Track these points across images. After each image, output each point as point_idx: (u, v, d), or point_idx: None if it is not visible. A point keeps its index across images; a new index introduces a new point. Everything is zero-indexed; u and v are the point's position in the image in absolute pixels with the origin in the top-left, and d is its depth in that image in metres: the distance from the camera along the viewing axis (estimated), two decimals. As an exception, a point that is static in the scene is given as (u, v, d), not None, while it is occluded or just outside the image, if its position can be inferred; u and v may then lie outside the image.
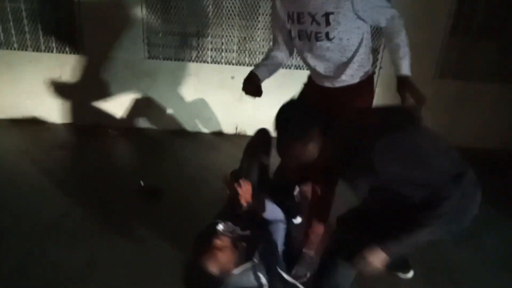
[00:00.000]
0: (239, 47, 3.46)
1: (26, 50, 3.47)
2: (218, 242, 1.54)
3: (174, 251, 2.14)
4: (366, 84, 1.86)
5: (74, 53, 3.47)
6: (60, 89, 3.56)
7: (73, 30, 3.39)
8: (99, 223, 2.36)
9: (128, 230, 2.32)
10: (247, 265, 1.59)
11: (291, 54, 1.99)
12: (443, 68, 3.50)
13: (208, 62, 3.50)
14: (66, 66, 3.49)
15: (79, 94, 3.58)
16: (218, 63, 3.50)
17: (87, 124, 3.64)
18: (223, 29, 3.41)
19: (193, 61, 3.51)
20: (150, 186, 2.70)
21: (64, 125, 3.65)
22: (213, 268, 1.50)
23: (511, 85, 3.59)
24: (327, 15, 1.64)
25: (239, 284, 1.57)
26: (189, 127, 3.70)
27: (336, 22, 1.65)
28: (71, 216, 2.40)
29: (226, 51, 3.48)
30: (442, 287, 2.08)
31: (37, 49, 3.47)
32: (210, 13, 3.35)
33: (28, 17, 3.36)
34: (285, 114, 1.49)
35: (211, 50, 3.49)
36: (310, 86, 1.98)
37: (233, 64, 3.48)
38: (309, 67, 1.90)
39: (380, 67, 3.50)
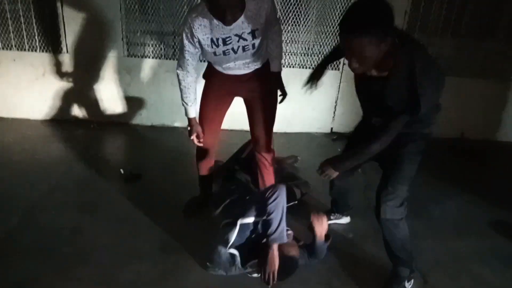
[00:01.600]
0: (213, 45, 3.71)
1: (10, 49, 3.65)
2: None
3: (151, 224, 2.39)
4: (267, 64, 2.24)
5: (57, 52, 3.66)
6: (44, 86, 3.74)
7: (56, 29, 3.59)
8: (83, 199, 2.61)
9: (110, 206, 2.56)
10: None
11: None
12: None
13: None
14: (49, 64, 3.68)
15: (62, 91, 3.77)
16: (194, 60, 3.74)
17: (70, 119, 3.84)
18: (198, 28, 3.65)
19: (170, 59, 3.74)
20: (129, 173, 2.91)
21: (48, 120, 3.84)
22: (295, 252, 2.01)
23: (467, 78, 3.93)
24: (253, 31, 1.96)
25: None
26: (167, 121, 3.92)
27: (260, 33, 1.99)
28: (58, 193, 2.65)
29: (201, 49, 3.73)
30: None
31: (21, 48, 3.65)
32: (186, 13, 3.59)
33: (12, 17, 3.55)
34: None
35: (187, 48, 3.72)
36: (218, 78, 2.20)
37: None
38: (224, 68, 2.13)
39: (344, 64, 3.79)
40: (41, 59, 3.67)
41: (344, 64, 3.78)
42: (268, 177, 2.42)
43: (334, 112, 3.99)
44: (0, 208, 2.45)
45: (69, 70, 3.71)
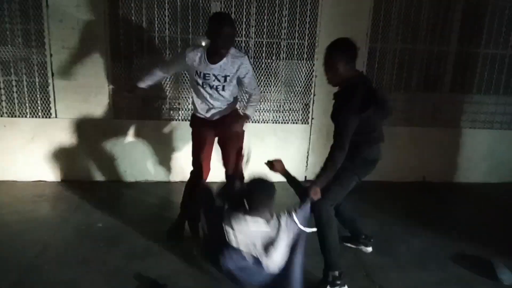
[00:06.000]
0: (193, 106, 4.06)
1: (1, 116, 3.90)
2: None
3: (141, 273, 2.55)
4: (236, 111, 3.04)
5: (46, 117, 3.93)
6: (33, 149, 3.96)
7: (46, 97, 3.88)
8: (76, 255, 2.74)
9: (102, 259, 2.70)
10: None
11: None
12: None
13: (167, 119, 4.07)
14: (39, 129, 3.93)
15: (51, 153, 3.99)
16: (176, 120, 4.08)
17: (59, 180, 4.03)
18: (178, 91, 4.03)
19: (153, 120, 4.06)
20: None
21: (36, 182, 4.00)
22: None
23: (422, 127, 4.40)
24: (225, 77, 2.74)
25: None
26: (152, 177, 4.16)
27: (230, 79, 2.77)
28: (52, 250, 2.79)
29: (182, 109, 4.08)
30: (361, 283, 2.59)
31: (12, 115, 3.91)
32: (168, 79, 3.97)
33: (5, 87, 3.84)
34: None
35: (169, 109, 4.07)
36: (199, 124, 2.99)
37: (188, 120, 4.02)
38: (202, 104, 2.90)
39: (312, 118, 4.21)
40: (31, 125, 3.92)
41: (313, 118, 4.19)
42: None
43: (306, 162, 4.35)
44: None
45: (58, 134, 3.95)
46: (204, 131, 2.96)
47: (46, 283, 2.42)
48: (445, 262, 2.92)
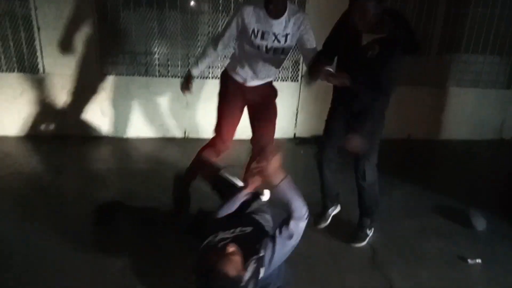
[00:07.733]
0: (182, 62, 4.05)
1: (-11, 71, 3.84)
2: (230, 248, 1.77)
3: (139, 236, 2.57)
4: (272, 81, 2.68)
5: (34, 73, 3.88)
6: (21, 104, 3.94)
7: (33, 52, 3.82)
8: (74, 209, 2.79)
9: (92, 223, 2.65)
10: (253, 264, 1.79)
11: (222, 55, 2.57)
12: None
13: (156, 76, 4.05)
14: (26, 84, 3.89)
15: (39, 108, 3.98)
16: (165, 77, 4.07)
17: (48, 135, 4.04)
18: (167, 47, 4.00)
19: (143, 76, 4.04)
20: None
21: (25, 137, 4.00)
22: (232, 271, 1.70)
23: (408, 86, 4.44)
24: (287, 35, 2.33)
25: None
26: (143, 133, 4.19)
27: (291, 39, 2.35)
28: (39, 209, 2.79)
29: (171, 66, 4.06)
30: (343, 229, 2.72)
31: (-1, 69, 3.86)
32: (156, 34, 3.93)
33: (-10, 42, 3.76)
34: None
35: (159, 65, 4.05)
36: (233, 87, 2.55)
37: (178, 77, 4.05)
38: (247, 70, 2.45)
39: (302, 76, 4.22)
40: (19, 80, 3.87)
41: (302, 76, 4.21)
42: None
43: (296, 120, 4.41)
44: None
45: (46, 89, 3.93)
46: (237, 97, 2.57)
47: (28, 251, 2.36)
48: (425, 212, 3.07)
